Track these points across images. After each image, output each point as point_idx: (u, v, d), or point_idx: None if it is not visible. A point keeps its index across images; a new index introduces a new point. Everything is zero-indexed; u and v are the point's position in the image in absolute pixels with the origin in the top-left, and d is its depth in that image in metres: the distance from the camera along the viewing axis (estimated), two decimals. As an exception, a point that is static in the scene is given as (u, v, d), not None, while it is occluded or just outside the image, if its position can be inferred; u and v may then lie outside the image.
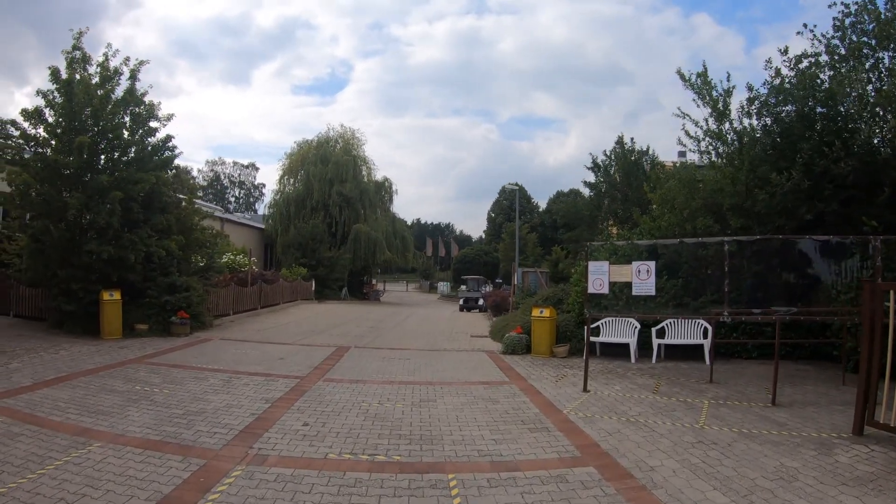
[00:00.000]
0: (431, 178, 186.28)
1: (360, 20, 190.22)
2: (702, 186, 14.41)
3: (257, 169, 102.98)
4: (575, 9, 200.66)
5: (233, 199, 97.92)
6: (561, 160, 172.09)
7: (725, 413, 8.45)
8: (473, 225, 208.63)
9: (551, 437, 7.19)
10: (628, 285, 10.63)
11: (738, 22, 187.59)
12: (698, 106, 14.62)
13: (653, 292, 9.95)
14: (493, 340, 17.61)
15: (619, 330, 13.97)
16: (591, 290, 10.36)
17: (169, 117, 17.25)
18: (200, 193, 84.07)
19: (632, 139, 20.14)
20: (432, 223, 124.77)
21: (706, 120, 14.49)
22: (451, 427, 7.63)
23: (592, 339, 13.86)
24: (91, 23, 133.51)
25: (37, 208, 15.18)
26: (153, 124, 16.93)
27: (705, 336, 13.03)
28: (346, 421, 7.82)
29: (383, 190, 49.95)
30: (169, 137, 17.28)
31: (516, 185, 37.81)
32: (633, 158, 19.66)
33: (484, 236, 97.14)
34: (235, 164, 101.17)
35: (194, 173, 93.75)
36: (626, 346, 13.59)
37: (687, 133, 14.97)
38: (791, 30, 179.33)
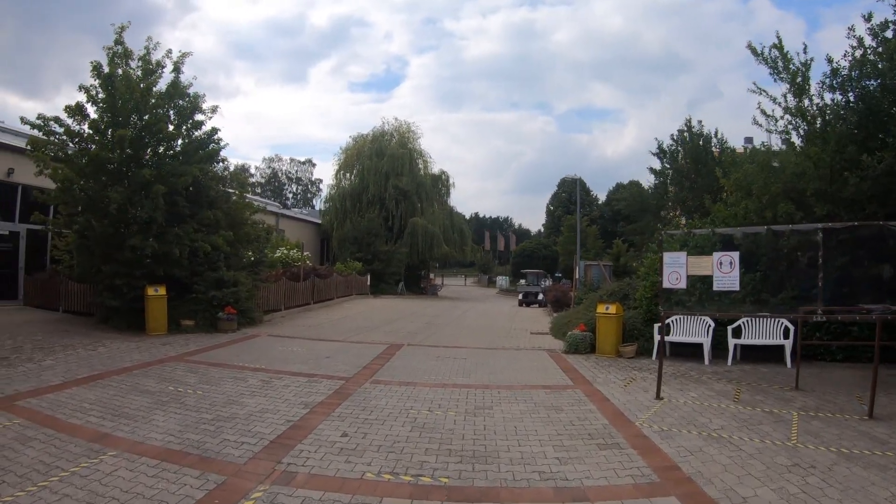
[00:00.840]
0: (490, 173, 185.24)
1: (413, 16, 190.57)
2: (781, 170, 13.03)
3: (314, 165, 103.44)
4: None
5: (290, 196, 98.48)
6: (619, 152, 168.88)
7: (818, 427, 7.21)
8: (532, 219, 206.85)
9: (624, 456, 6.10)
10: (703, 279, 9.63)
11: (797, 5, 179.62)
12: (775, 80, 13.26)
13: (737, 287, 8.71)
14: (554, 338, 16.53)
15: (691, 328, 12.73)
16: (666, 284, 9.16)
17: (214, 109, 16.84)
18: (257, 190, 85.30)
19: (699, 122, 18.64)
20: (491, 217, 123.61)
21: (784, 96, 13.11)
22: (509, 441, 6.60)
23: (659, 337, 12.76)
24: (149, 28, 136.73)
25: (80, 204, 14.84)
26: (198, 117, 16.53)
27: (786, 336, 11.76)
28: (391, 431, 6.89)
29: (440, 183, 49.09)
30: (214, 130, 16.82)
31: (576, 176, 36.12)
32: (700, 143, 18.17)
33: (543, 230, 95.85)
34: (292, 160, 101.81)
35: (252, 171, 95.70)
36: (699, 346, 12.38)
37: (763, 111, 13.56)
38: (855, 10, 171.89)
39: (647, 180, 27.11)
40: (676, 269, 9.01)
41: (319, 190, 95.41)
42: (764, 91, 13.28)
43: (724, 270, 8.60)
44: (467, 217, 76.76)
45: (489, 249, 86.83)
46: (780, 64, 13.05)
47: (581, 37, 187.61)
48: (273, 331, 16.46)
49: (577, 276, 25.96)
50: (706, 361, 12.03)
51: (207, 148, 16.64)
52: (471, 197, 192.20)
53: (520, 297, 38.89)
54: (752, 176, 13.17)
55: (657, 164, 20.73)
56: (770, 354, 11.96)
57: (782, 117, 13.19)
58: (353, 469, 5.62)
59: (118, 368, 10.22)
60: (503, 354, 13.43)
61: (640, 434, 6.92)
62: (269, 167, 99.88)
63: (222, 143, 17.10)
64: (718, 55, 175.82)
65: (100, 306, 15.98)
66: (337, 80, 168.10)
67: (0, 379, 9.07)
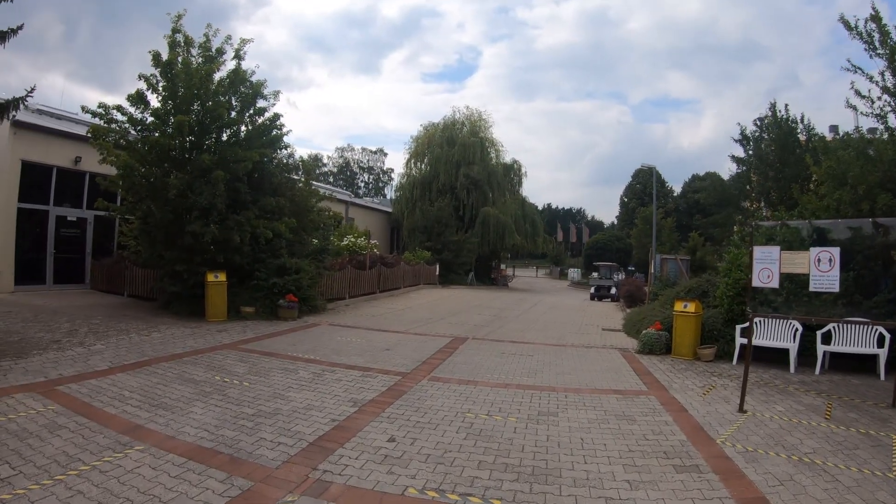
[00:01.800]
0: (563, 163, 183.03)
1: (486, 5, 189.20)
2: (879, 157, 11.73)
3: (385, 154, 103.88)
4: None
5: (362, 185, 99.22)
6: (696, 143, 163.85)
7: (923, 455, 6.10)
8: (606, 211, 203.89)
9: (703, 482, 5.19)
10: (791, 277, 8.67)
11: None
12: (871, 57, 11.96)
13: (836, 287, 7.58)
14: (627, 336, 15.54)
15: (776, 332, 11.50)
16: (756, 282, 8.11)
17: (276, 94, 16.52)
18: (329, 179, 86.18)
19: (786, 106, 17.08)
20: (563, 208, 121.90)
21: (882, 74, 11.79)
22: (574, 456, 5.78)
23: (743, 340, 11.65)
24: (222, 22, 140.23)
25: (141, 190, 14.71)
26: (261, 104, 16.22)
27: (880, 345, 10.38)
28: (443, 438, 6.18)
29: (512, 172, 48.10)
30: (276, 116, 16.51)
31: (651, 166, 34.47)
32: (787, 129, 16.66)
33: (616, 222, 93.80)
34: (364, 150, 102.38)
35: (324, 160, 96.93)
36: (784, 351, 11.17)
37: (857, 92, 12.25)
38: None
39: (729, 169, 25.56)
40: (768, 266, 7.97)
41: (391, 179, 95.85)
42: (859, 69, 12.02)
43: (823, 269, 7.53)
44: (539, 208, 75.61)
45: (561, 241, 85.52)
46: (876, 38, 11.81)
47: (657, 23, 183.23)
48: (334, 320, 16.03)
49: (653, 271, 24.67)
50: (792, 369, 10.84)
51: (270, 134, 16.33)
52: (544, 188, 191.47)
53: (592, 290, 37.63)
54: (847, 164, 11.90)
55: (739, 152, 19.35)
56: (862, 364, 10.71)
57: (880, 97, 11.93)
58: (395, 482, 4.95)
59: (168, 355, 9.90)
60: (572, 352, 12.56)
61: (722, 455, 5.99)
62: (342, 156, 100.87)
63: (285, 130, 16.81)
64: (798, 41, 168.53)
65: (162, 292, 15.91)
66: (409, 71, 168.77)
67: (48, 363, 8.83)
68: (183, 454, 5.35)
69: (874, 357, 10.46)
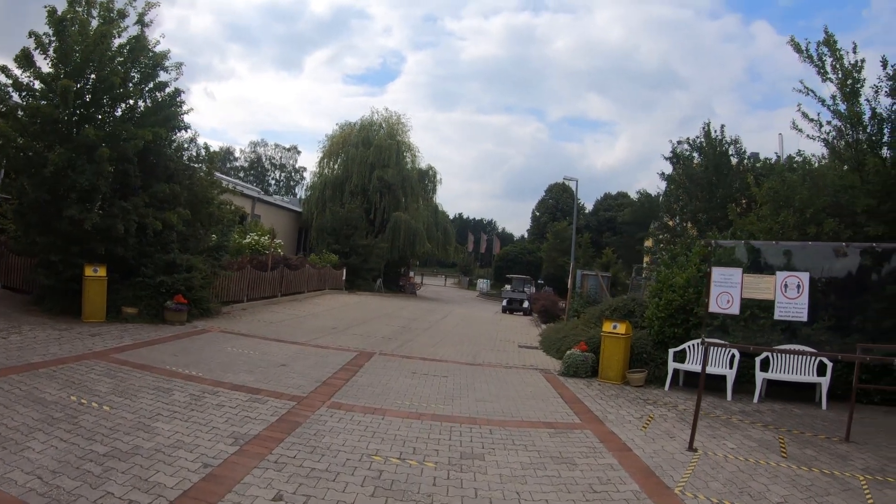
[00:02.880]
0: (477, 174, 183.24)
1: (414, 11, 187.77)
2: (828, 182, 11.43)
3: (299, 152, 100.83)
4: (632, 10, 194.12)
5: (273, 182, 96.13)
6: (608, 164, 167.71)
7: None
8: (516, 223, 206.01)
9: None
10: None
11: (799, 31, 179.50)
12: (823, 81, 11.76)
13: (804, 317, 6.93)
14: (546, 355, 14.73)
15: (711, 356, 10.94)
16: (713, 307, 7.31)
17: (178, 67, 14.77)
18: (240, 174, 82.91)
19: (722, 127, 16.78)
20: (474, 218, 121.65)
21: (833, 98, 11.50)
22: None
23: (676, 366, 11.15)
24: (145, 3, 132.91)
25: (17, 164, 12.84)
26: (164, 78, 14.52)
27: (820, 373, 10.06)
28: (344, 495, 4.97)
29: (427, 178, 47.05)
30: (178, 91, 14.76)
31: (574, 179, 33.91)
32: (721, 150, 16.29)
33: (527, 235, 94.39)
34: (277, 146, 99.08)
35: (236, 154, 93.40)
36: (719, 377, 10.67)
37: (804, 115, 11.94)
38: (856, 38, 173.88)
39: (657, 187, 25.28)
40: (728, 291, 7.20)
41: (303, 178, 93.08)
42: (812, 91, 11.71)
43: (790, 295, 6.83)
44: (451, 217, 75.00)
45: (472, 251, 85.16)
46: (828, 63, 11.55)
47: (581, 46, 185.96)
48: (228, 326, 14.45)
49: (574, 286, 24.02)
50: (729, 396, 10.37)
51: (168, 110, 14.55)
52: (456, 197, 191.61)
53: (503, 303, 36.82)
54: (792, 187, 11.48)
55: (667, 168, 18.80)
56: (799, 392, 10.41)
57: (829, 122, 11.65)
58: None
59: (23, 364, 8.24)
60: (491, 373, 11.56)
61: (686, 512, 5.09)
62: (254, 151, 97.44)
63: (185, 108, 15.06)
64: (715, 75, 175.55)
65: (36, 284, 13.96)
66: (331, 71, 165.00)
67: None
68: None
69: (813, 385, 10.24)
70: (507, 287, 41.21)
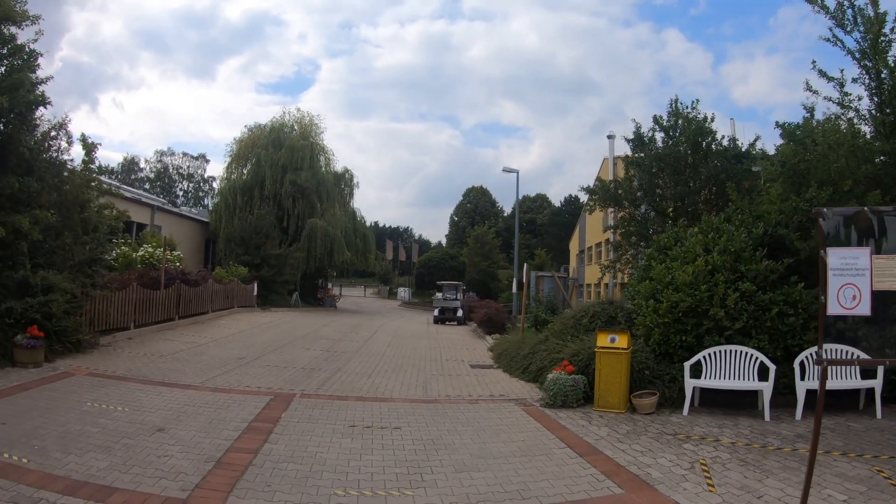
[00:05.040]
0: (392, 183, 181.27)
1: (329, 18, 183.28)
2: (867, 149, 9.27)
3: (208, 161, 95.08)
4: (548, 18, 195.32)
5: (181, 193, 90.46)
6: (524, 167, 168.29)
7: None
8: (434, 230, 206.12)
9: None
10: None
11: (707, 38, 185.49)
12: (844, 33, 9.48)
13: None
14: (510, 376, 12.02)
15: (734, 367, 8.70)
16: (832, 308, 4.66)
17: (36, 19, 11.31)
18: (146, 185, 77.05)
19: (696, 101, 14.40)
20: (391, 227, 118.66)
21: (859, 50, 9.32)
22: None
23: (694, 382, 8.80)
24: (55, 6, 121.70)
25: None
26: (13, 31, 11.14)
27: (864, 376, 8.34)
28: None
29: (343, 182, 43.93)
30: (33, 53, 11.31)
31: (515, 170, 30.40)
32: (698, 127, 13.88)
33: (445, 241, 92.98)
34: (185, 155, 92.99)
35: (141, 164, 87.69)
36: (749, 393, 8.63)
37: (822, 73, 9.70)
38: (759, 48, 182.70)
39: (555, 196, 23.35)
40: (853, 281, 4.61)
41: (212, 188, 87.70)
42: (840, 41, 9.48)
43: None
44: (368, 225, 72.14)
45: (391, 259, 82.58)
46: (848, 14, 9.42)
47: (496, 53, 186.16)
48: (102, 364, 10.98)
49: (528, 290, 21.34)
50: (766, 416, 8.16)
51: (18, 74, 11.00)
52: (372, 206, 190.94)
53: (435, 312, 33.82)
54: (827, 155, 9.15)
55: (628, 153, 16.36)
56: (839, 399, 8.51)
57: (855, 80, 9.46)
58: None
59: None
60: (456, 415, 8.62)
61: None
62: (160, 161, 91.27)
63: (41, 74, 11.62)
64: (626, 81, 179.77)
65: None
66: (244, 79, 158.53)
67: None
68: None
69: (856, 392, 8.67)
70: (438, 295, 38.25)
